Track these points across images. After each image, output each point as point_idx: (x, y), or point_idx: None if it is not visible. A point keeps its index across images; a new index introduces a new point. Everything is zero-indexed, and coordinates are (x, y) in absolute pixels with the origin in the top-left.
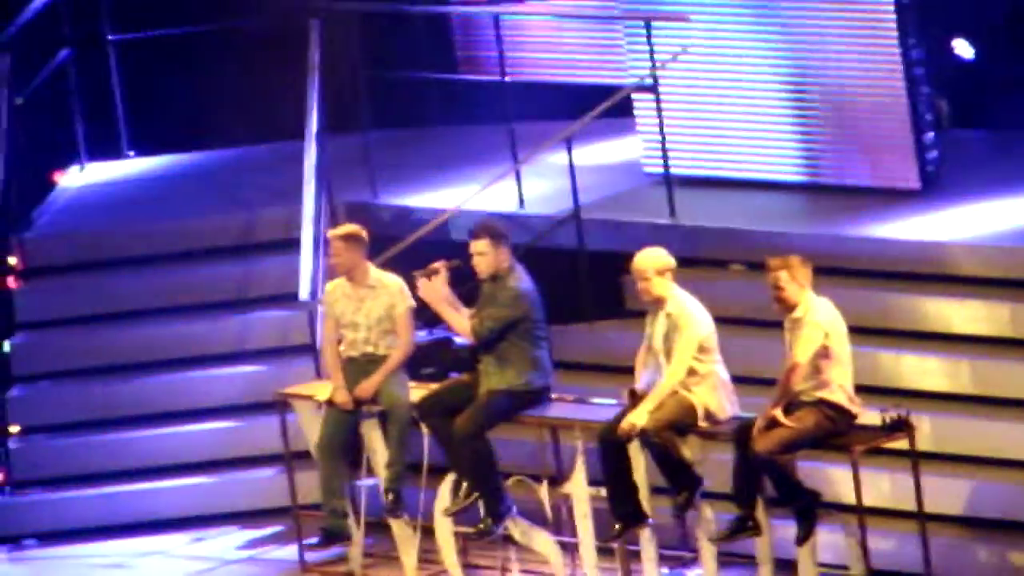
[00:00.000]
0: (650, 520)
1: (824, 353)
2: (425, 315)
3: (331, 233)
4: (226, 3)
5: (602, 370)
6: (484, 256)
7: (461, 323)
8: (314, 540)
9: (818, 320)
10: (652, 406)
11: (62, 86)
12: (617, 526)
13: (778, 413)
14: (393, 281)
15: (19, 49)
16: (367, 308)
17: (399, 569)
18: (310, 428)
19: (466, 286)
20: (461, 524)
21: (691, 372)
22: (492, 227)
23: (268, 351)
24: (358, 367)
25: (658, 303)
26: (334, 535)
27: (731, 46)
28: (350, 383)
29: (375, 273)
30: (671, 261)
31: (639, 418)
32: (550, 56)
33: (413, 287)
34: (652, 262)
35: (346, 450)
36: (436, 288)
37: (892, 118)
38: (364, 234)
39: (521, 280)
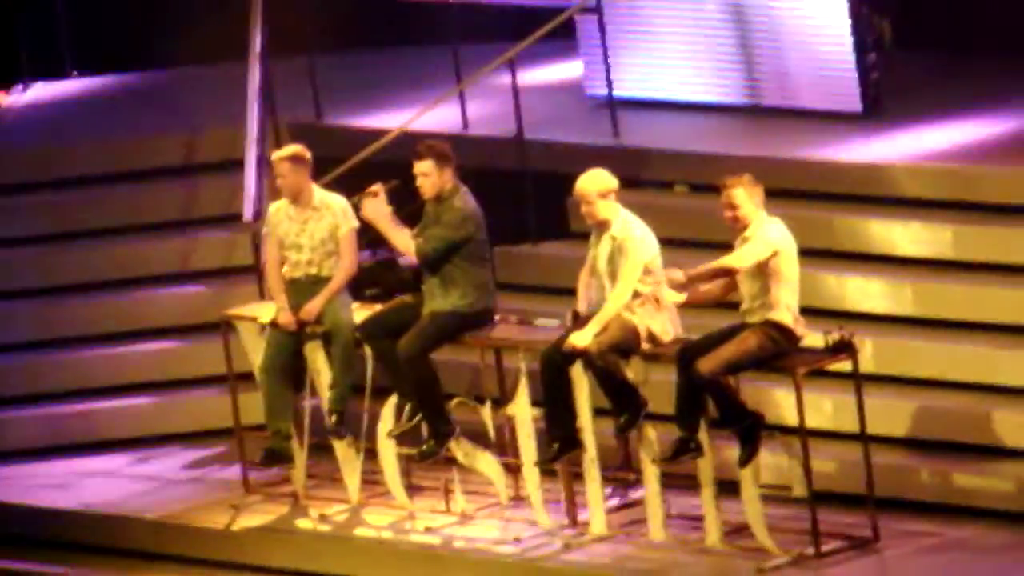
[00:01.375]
0: (584, 447)
1: (771, 273)
2: (369, 236)
3: (276, 155)
4: None
5: (545, 291)
6: (428, 177)
7: (406, 242)
8: (257, 460)
9: (768, 238)
10: (596, 328)
11: (4, 5)
12: (555, 446)
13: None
14: (337, 202)
15: None
16: (311, 229)
17: (342, 490)
18: (253, 349)
19: (408, 207)
20: (404, 446)
21: (635, 294)
22: (437, 148)
23: (211, 272)
24: (302, 288)
25: (602, 225)
26: (277, 456)
27: None
28: (293, 305)
29: (319, 194)
30: (613, 183)
31: (582, 339)
32: None
33: (356, 209)
34: (594, 184)
35: (289, 372)
36: (379, 208)
37: (834, 40)
38: (308, 155)
39: (466, 201)
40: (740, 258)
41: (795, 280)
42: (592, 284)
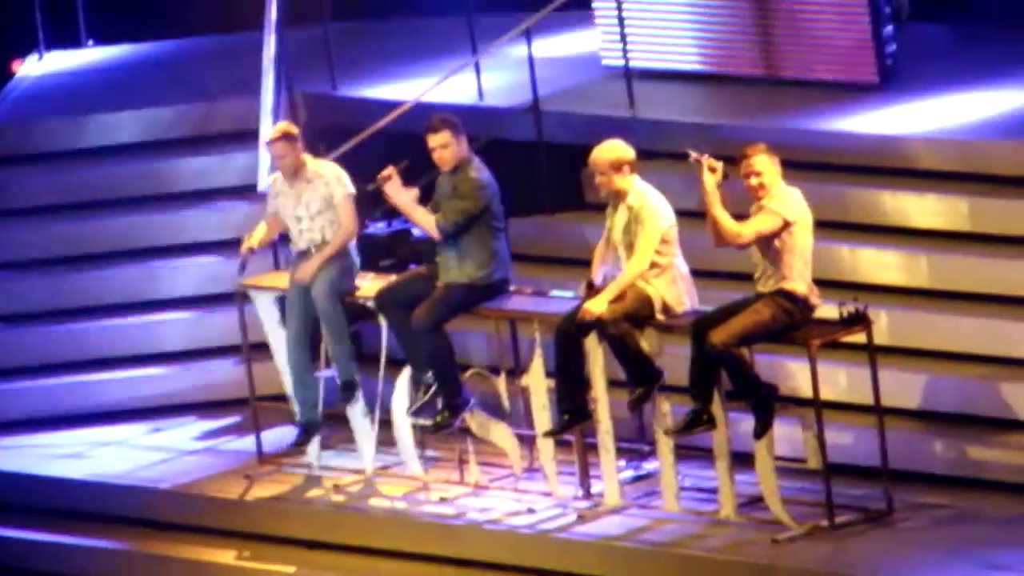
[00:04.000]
0: (593, 418)
1: (784, 243)
2: (383, 207)
3: (268, 138)
4: None
5: (560, 263)
6: (447, 148)
7: (429, 221)
8: (293, 438)
9: (779, 209)
10: (612, 295)
11: None
12: (564, 416)
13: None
14: (330, 170)
15: None
16: (306, 200)
17: (356, 461)
18: (268, 320)
19: (422, 179)
20: (419, 417)
21: (651, 265)
22: (449, 119)
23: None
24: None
25: (618, 196)
26: (312, 427)
27: None
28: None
29: (312, 165)
30: (629, 153)
31: (597, 306)
32: None
33: (376, 196)
34: (609, 154)
35: (309, 341)
36: (397, 190)
37: (851, 11)
38: (296, 130)
39: (480, 171)
40: (747, 228)
41: (808, 251)
42: (608, 255)
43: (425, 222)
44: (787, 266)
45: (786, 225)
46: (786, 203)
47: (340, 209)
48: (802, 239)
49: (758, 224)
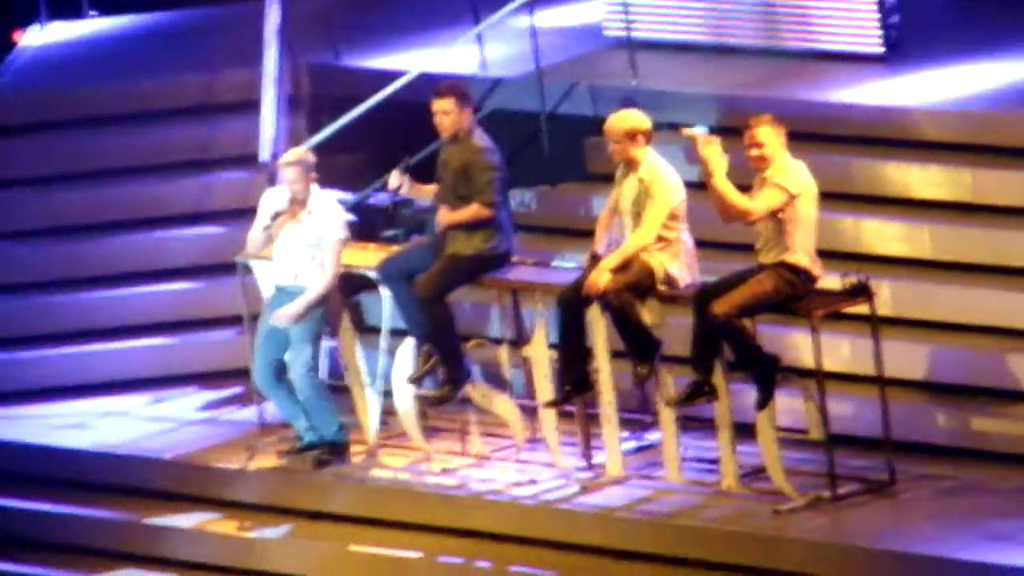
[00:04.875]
0: (595, 389)
1: (788, 216)
2: (383, 179)
3: (284, 160)
4: None
5: (563, 233)
6: (448, 115)
7: (470, 210)
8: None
9: (784, 183)
10: (614, 264)
11: None
12: (567, 388)
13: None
14: (328, 210)
15: None
16: (298, 231)
17: (359, 431)
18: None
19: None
20: (420, 386)
21: (658, 238)
22: (458, 87)
23: (228, 213)
24: (285, 297)
25: (630, 165)
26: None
27: None
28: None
29: (315, 198)
30: (645, 123)
31: (600, 276)
32: None
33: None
34: (623, 124)
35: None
36: (419, 192)
37: None
38: (312, 158)
39: (484, 138)
40: (756, 205)
41: (812, 223)
42: (612, 225)
43: (467, 214)
44: (790, 238)
45: (791, 198)
46: (790, 176)
47: (327, 253)
48: (806, 212)
49: (766, 200)
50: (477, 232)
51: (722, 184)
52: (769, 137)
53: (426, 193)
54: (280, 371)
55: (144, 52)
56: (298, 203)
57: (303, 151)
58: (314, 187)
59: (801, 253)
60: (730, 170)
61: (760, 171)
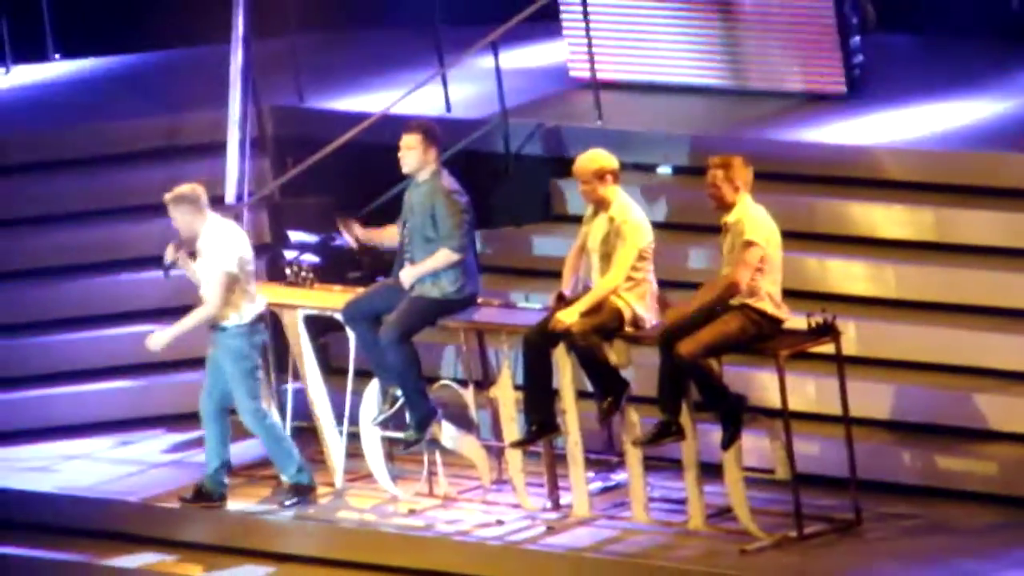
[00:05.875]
0: (560, 430)
1: (758, 266)
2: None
3: (166, 198)
4: None
5: (528, 274)
6: (412, 151)
7: (440, 257)
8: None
9: (756, 238)
10: (584, 308)
11: None
12: (533, 428)
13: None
14: (217, 242)
15: None
16: (201, 264)
17: (326, 473)
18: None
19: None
20: (386, 428)
21: (627, 279)
22: (427, 125)
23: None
24: (218, 331)
25: (600, 204)
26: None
27: None
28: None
29: (209, 227)
30: (613, 163)
31: (569, 316)
32: None
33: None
34: (592, 164)
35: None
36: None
37: (818, 22)
38: (200, 192)
39: (450, 181)
40: (741, 276)
41: (777, 267)
42: (580, 263)
43: (437, 262)
44: (756, 284)
45: (761, 258)
46: (757, 228)
47: (210, 285)
48: (772, 257)
49: (746, 263)
50: (443, 274)
51: (705, 304)
52: (722, 180)
53: (386, 237)
54: (223, 404)
55: (109, 95)
56: (194, 239)
57: (185, 187)
58: (211, 218)
59: (765, 300)
60: (690, 210)
61: (721, 212)
